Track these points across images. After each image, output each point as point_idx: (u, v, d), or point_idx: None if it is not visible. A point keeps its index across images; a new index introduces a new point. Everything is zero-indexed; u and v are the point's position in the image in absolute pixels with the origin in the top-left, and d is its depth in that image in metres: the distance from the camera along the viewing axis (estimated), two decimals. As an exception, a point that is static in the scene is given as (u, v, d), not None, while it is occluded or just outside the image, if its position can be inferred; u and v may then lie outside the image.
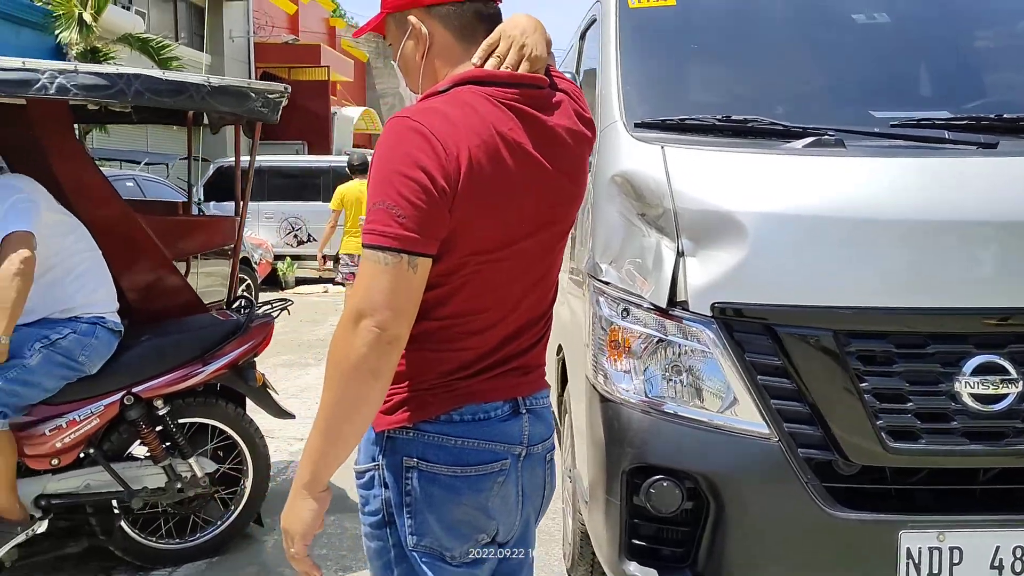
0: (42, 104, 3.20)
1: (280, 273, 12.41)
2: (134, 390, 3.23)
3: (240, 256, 9.17)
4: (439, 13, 1.58)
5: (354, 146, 25.12)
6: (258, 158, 11.99)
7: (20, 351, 2.94)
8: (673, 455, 2.33)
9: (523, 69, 1.56)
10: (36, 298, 2.95)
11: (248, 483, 3.63)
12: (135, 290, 3.50)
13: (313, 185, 13.00)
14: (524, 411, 1.65)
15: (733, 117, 2.50)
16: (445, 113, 1.46)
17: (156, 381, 3.27)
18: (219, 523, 3.61)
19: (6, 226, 2.88)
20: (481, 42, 1.59)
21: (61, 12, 11.34)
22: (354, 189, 8.29)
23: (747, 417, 2.29)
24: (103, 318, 3.16)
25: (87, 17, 11.31)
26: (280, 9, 25.15)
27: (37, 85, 2.89)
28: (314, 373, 7.02)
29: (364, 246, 1.42)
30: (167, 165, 14.46)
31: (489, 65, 1.55)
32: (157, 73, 3.07)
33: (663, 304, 2.32)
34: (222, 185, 11.76)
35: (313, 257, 12.87)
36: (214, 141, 17.88)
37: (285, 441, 5.21)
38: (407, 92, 1.72)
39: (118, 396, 3.21)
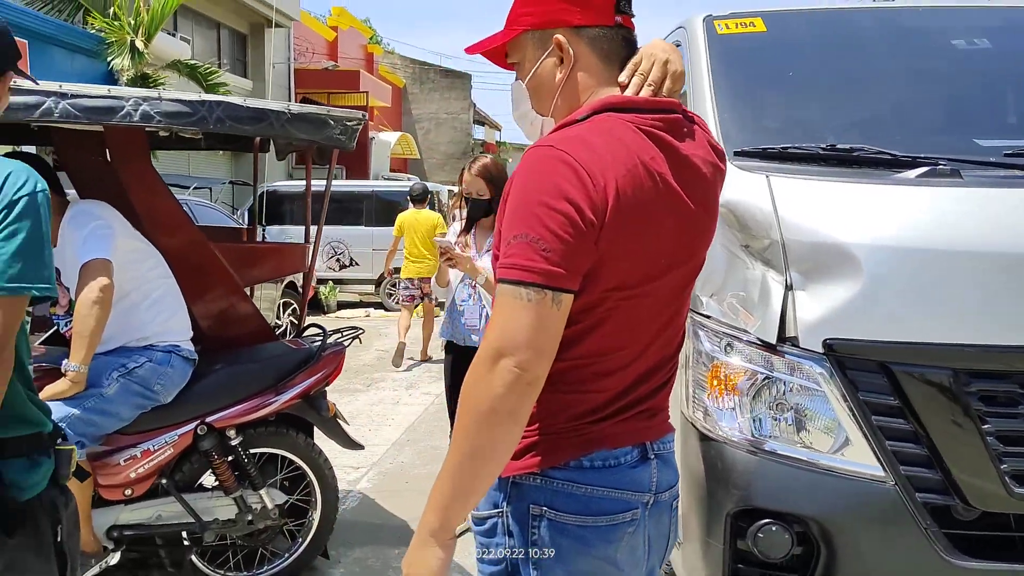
0: (120, 131, 3.19)
1: (322, 297, 12.41)
2: (208, 419, 3.19)
3: (287, 281, 9.30)
4: (588, 35, 1.52)
5: (391, 170, 25.29)
6: (301, 183, 12.03)
7: (98, 380, 2.91)
8: (781, 498, 2.22)
9: (666, 87, 1.50)
10: (112, 326, 2.92)
11: (316, 515, 3.56)
12: (207, 318, 3.46)
13: (356, 209, 13.02)
14: (652, 456, 1.58)
15: (838, 146, 2.41)
16: (590, 142, 1.39)
17: (230, 410, 3.22)
18: (286, 555, 3.55)
19: (85, 253, 2.86)
20: (621, 68, 1.54)
21: (113, 39, 11.54)
22: (410, 217, 9.02)
23: (860, 458, 2.19)
24: (178, 346, 3.13)
25: (139, 44, 11.50)
26: (320, 36, 25.47)
27: (122, 112, 2.88)
28: (363, 399, 6.98)
29: (503, 280, 1.35)
30: (210, 189, 14.60)
31: (634, 83, 1.50)
32: (238, 100, 3.04)
33: (772, 339, 2.23)
34: (267, 209, 11.83)
35: (355, 281, 12.94)
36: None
37: (342, 470, 5.14)
38: (532, 115, 1.66)
39: (192, 426, 3.17)
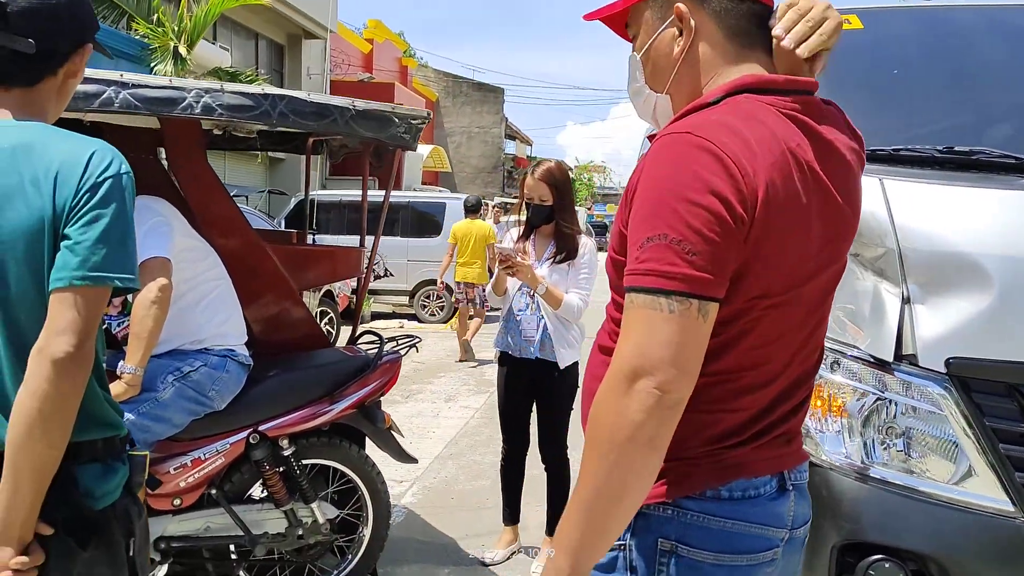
0: (177, 125, 3.07)
1: (356, 307, 12.32)
2: (260, 428, 3.04)
3: (324, 290, 9.19)
4: (714, 6, 1.35)
5: (423, 183, 25.27)
6: (338, 192, 12.03)
7: (152, 384, 2.77)
8: (895, 532, 2.03)
9: (827, 27, 1.33)
10: (167, 327, 2.77)
11: (367, 531, 3.40)
12: (260, 321, 3.32)
13: (391, 220, 12.88)
14: (790, 487, 1.40)
15: (956, 148, 2.23)
16: (733, 127, 1.22)
17: (284, 419, 3.07)
18: (335, 573, 3.39)
19: (144, 251, 2.71)
20: (753, 48, 1.36)
21: (157, 45, 11.59)
22: (464, 226, 9.81)
23: (985, 491, 1.99)
24: (233, 351, 2.98)
25: (182, 50, 11.53)
26: (356, 48, 25.59)
27: (183, 104, 2.76)
28: (402, 411, 6.83)
29: (637, 289, 1.18)
30: (247, 198, 14.60)
31: (788, 16, 1.34)
32: (302, 95, 2.91)
33: (888, 357, 2.04)
34: (303, 218, 11.74)
35: (390, 292, 12.82)
36: (291, 175, 18.10)
37: (385, 483, 4.99)
38: (647, 90, 1.49)
39: (244, 434, 3.02)
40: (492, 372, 8.84)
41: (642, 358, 1.15)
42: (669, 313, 1.15)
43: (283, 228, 11.20)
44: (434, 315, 12.83)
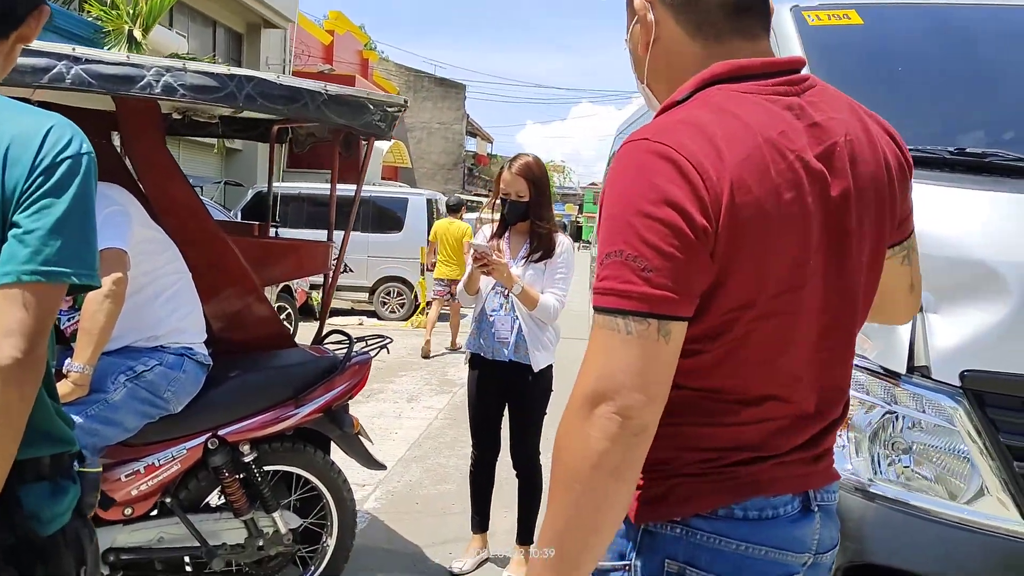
0: (134, 105, 2.86)
1: (314, 302, 12.00)
2: (220, 432, 2.85)
3: (282, 285, 8.93)
4: (670, 1, 1.24)
5: (383, 178, 24.94)
6: (298, 185, 11.77)
7: (102, 384, 2.56)
8: (903, 554, 1.93)
9: None
10: (121, 323, 2.56)
11: (331, 541, 3.22)
12: (221, 318, 3.12)
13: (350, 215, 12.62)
14: (815, 508, 1.28)
15: (969, 150, 2.13)
16: (696, 126, 1.10)
17: (245, 423, 2.88)
18: (296, 585, 3.21)
19: (99, 242, 2.51)
20: (727, 39, 1.22)
21: (111, 28, 11.18)
22: (444, 224, 10.00)
23: (999, 511, 1.89)
24: (191, 349, 2.78)
25: (137, 34, 11.14)
26: (316, 39, 25.16)
27: (142, 83, 2.55)
28: (364, 411, 6.63)
29: (596, 309, 1.08)
30: (202, 188, 14.22)
31: None
32: (271, 76, 2.73)
33: (900, 368, 1.94)
34: (261, 210, 11.42)
35: (349, 288, 12.56)
36: (248, 166, 17.70)
37: (347, 487, 4.79)
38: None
39: (202, 439, 2.82)
40: (454, 371, 8.71)
41: (601, 381, 1.06)
42: (627, 335, 1.06)
43: (239, 219, 10.89)
44: (394, 312, 12.62)
